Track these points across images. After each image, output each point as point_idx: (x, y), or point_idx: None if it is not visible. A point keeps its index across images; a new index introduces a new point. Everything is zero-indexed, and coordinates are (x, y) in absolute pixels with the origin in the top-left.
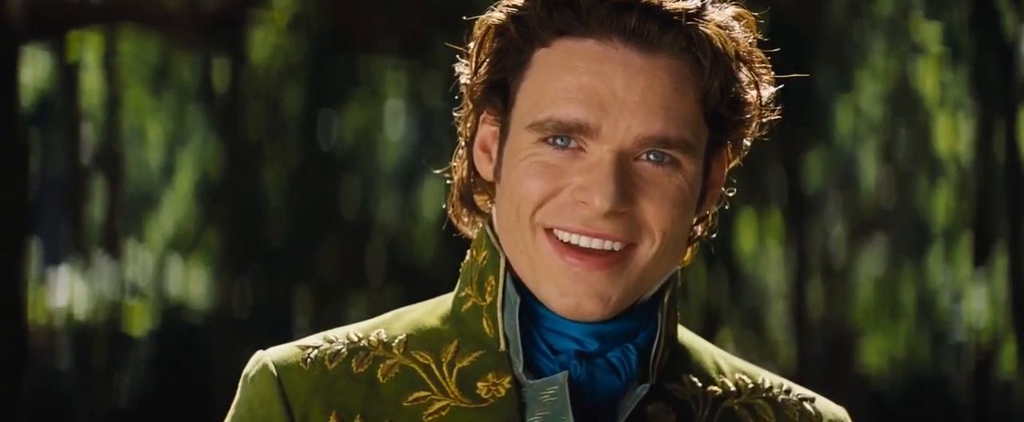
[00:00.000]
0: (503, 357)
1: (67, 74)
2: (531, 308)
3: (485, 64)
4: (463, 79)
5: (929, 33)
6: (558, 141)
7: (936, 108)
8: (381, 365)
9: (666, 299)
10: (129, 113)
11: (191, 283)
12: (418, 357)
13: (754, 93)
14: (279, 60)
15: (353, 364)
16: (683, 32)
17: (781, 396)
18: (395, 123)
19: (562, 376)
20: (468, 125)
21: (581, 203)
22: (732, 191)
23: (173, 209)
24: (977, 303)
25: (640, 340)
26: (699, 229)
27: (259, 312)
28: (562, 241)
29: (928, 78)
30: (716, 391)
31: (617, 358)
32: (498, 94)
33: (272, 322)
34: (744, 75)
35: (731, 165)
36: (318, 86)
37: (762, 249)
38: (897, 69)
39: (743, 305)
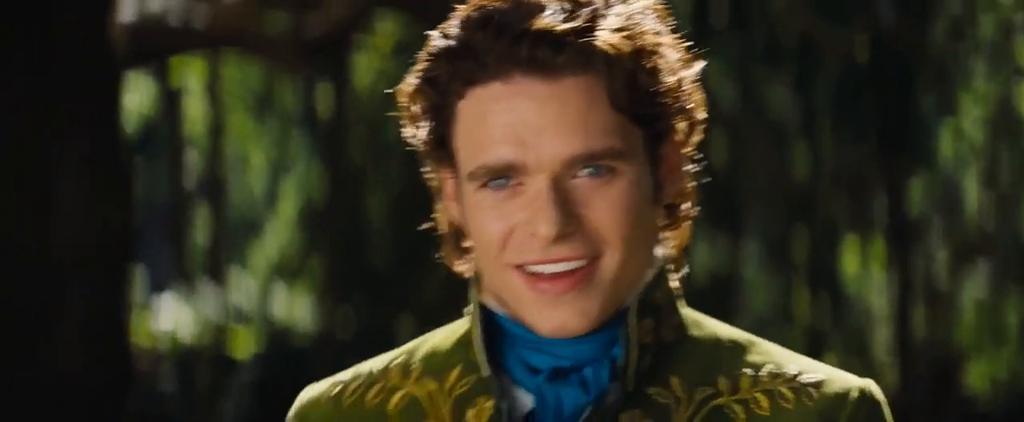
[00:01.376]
0: (489, 382)
1: (170, 100)
2: (507, 331)
3: (421, 126)
4: (412, 141)
5: None
6: (496, 183)
7: None
8: (394, 396)
9: (635, 308)
10: (232, 139)
11: (295, 309)
12: (427, 385)
13: (672, 79)
14: (382, 85)
15: (368, 396)
16: (576, 49)
17: (782, 386)
18: None
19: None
20: (434, 180)
21: (532, 236)
22: (698, 167)
23: (277, 235)
24: None
25: (616, 352)
26: (685, 208)
27: (363, 335)
28: (531, 273)
29: None
30: (708, 391)
31: (592, 373)
32: (443, 148)
33: (376, 346)
34: (657, 64)
35: (692, 142)
36: None
37: (865, 274)
38: (1000, 92)
39: (847, 329)
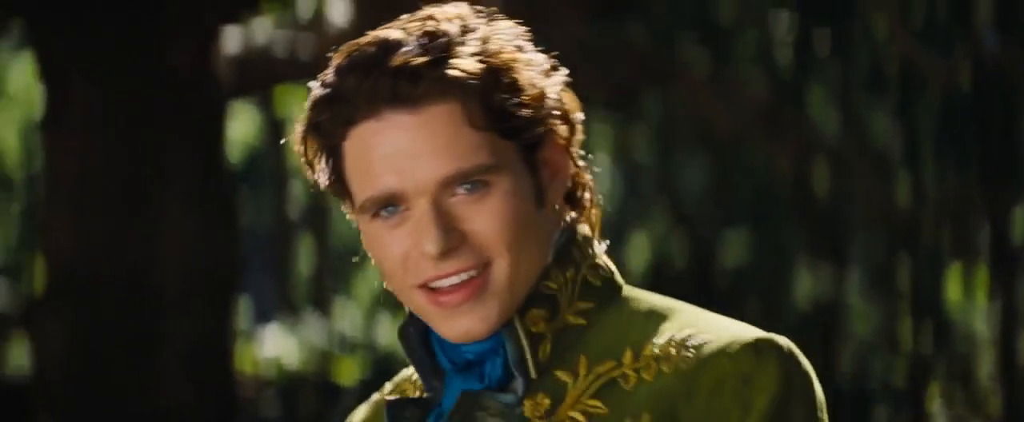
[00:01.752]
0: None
1: (275, 130)
2: (433, 333)
3: (319, 171)
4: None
5: None
6: (385, 212)
7: None
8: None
9: (520, 310)
10: None
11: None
12: (418, 384)
13: (533, 91)
14: None
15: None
16: (433, 79)
17: (672, 350)
18: (601, 177)
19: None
20: (350, 216)
21: (422, 256)
22: (586, 165)
23: None
24: None
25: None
26: (587, 196)
27: None
28: (431, 289)
29: None
30: (609, 365)
31: (490, 365)
32: (343, 188)
33: None
34: (514, 80)
35: (574, 142)
36: None
37: (969, 301)
38: None
39: (951, 356)
